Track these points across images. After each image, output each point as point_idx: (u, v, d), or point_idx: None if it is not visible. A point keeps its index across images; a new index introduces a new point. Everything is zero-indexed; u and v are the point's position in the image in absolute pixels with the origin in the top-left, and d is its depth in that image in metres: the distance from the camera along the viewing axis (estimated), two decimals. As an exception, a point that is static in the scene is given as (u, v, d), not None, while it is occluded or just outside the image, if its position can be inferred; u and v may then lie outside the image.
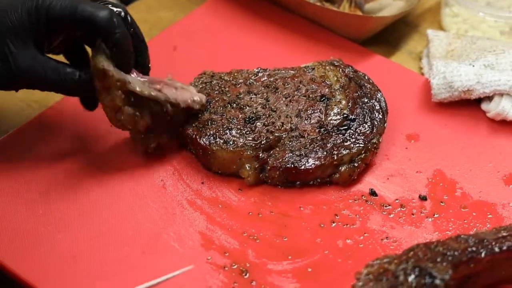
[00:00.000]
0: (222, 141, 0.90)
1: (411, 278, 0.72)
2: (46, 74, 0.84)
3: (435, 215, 0.88)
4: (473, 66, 0.99)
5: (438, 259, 0.73)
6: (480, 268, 0.75)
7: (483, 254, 0.74)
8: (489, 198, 0.90)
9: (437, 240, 0.77)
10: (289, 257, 0.83)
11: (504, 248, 0.76)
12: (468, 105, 1.01)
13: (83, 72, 0.85)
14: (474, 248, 0.75)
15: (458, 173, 0.93)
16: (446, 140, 0.98)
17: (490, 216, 0.88)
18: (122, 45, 0.85)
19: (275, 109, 0.94)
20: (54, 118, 0.98)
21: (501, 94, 0.98)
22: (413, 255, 0.74)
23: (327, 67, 0.99)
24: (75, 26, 0.85)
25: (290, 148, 0.90)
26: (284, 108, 0.94)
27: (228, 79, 0.97)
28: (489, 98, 0.99)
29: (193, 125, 0.92)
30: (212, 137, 0.91)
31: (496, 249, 0.75)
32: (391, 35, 1.14)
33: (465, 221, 0.87)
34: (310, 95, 0.95)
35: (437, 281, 0.71)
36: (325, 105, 0.94)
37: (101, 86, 0.85)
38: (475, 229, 0.86)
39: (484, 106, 1.00)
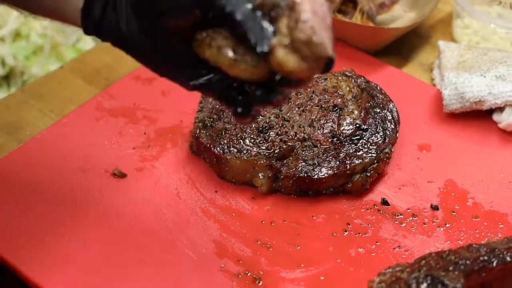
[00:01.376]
0: (236, 150, 0.91)
1: (423, 286, 0.72)
2: None
3: (447, 225, 0.89)
4: (485, 77, 1.00)
5: (450, 268, 0.74)
6: (492, 277, 0.75)
7: (494, 263, 0.75)
8: (501, 208, 0.91)
9: (449, 249, 0.78)
10: (302, 265, 0.84)
11: (516, 258, 0.76)
12: (479, 116, 1.02)
13: None
14: (485, 257, 0.75)
15: (470, 183, 0.94)
16: (458, 150, 0.98)
17: (501, 226, 0.89)
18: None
19: (288, 119, 0.95)
20: (70, 127, 0.99)
21: (512, 105, 0.99)
22: (425, 263, 0.75)
23: (340, 78, 1.00)
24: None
25: (303, 157, 0.91)
26: (297, 117, 0.95)
27: (242, 89, 0.98)
28: (501, 109, 1.00)
29: (207, 134, 0.93)
30: (226, 146, 0.92)
31: (508, 258, 0.76)
32: (403, 46, 1.15)
33: (477, 231, 0.88)
34: (323, 105, 0.96)
35: None
36: (337, 115, 0.95)
37: None
38: (486, 239, 0.87)
39: (496, 117, 1.01)
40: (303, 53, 0.65)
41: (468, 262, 0.75)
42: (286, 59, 0.65)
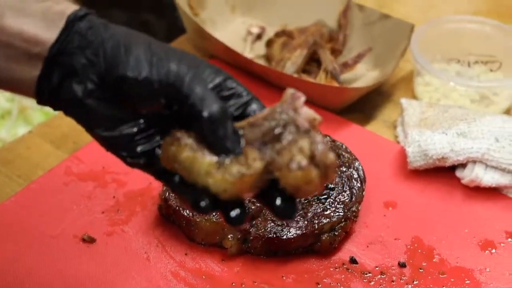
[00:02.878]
0: (205, 213, 0.92)
1: None
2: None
3: (415, 282, 0.90)
4: (446, 134, 1.02)
5: None
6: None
7: None
8: (466, 264, 0.92)
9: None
10: (273, 327, 0.85)
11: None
12: (443, 172, 1.04)
13: None
14: None
15: (435, 239, 0.95)
16: (423, 207, 1.00)
17: (468, 282, 0.90)
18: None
19: (256, 180, 0.96)
20: (38, 193, 1.00)
21: (474, 161, 1.01)
22: None
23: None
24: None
25: (272, 218, 0.92)
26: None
27: (210, 151, 0.99)
28: (463, 165, 1.03)
29: (176, 197, 0.94)
30: (195, 209, 0.92)
31: None
32: (366, 105, 1.18)
33: (444, 287, 0.89)
34: (290, 166, 0.98)
35: None
36: (304, 175, 0.97)
37: None
38: (454, 295, 0.88)
39: (459, 173, 1.03)
40: (320, 172, 0.66)
41: None
42: (312, 178, 0.66)
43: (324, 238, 0.92)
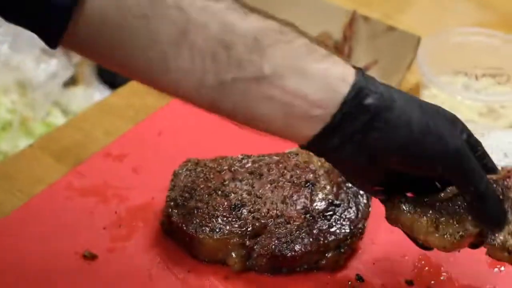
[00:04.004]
0: (208, 229, 0.90)
1: None
2: None
3: (422, 301, 0.89)
4: (454, 149, 1.00)
5: None
6: None
7: None
8: (475, 282, 0.91)
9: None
10: None
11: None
12: (450, 187, 1.02)
13: None
14: None
15: (443, 256, 0.93)
16: (430, 223, 0.98)
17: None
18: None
19: (260, 196, 0.94)
20: (39, 208, 0.98)
21: (483, 177, 0.99)
22: None
23: (311, 152, 1.00)
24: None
25: (277, 235, 0.91)
26: (270, 194, 0.95)
27: (213, 166, 0.98)
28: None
29: (179, 213, 0.92)
30: (198, 225, 0.91)
31: None
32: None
33: (454, 303, 0.88)
34: (295, 181, 0.96)
35: None
36: (310, 190, 0.95)
37: None
38: (462, 314, 0.87)
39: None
40: None
41: None
42: None
43: (329, 255, 0.91)
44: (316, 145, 0.73)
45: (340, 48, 1.24)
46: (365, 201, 0.95)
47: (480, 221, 0.76)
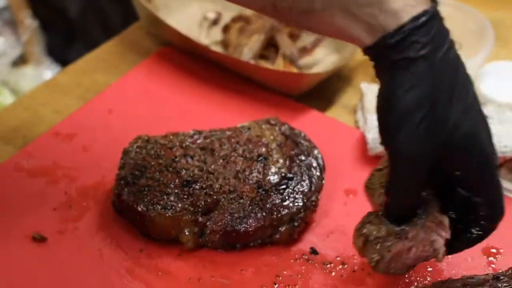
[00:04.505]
0: (160, 207, 0.89)
1: None
2: None
3: (376, 271, 0.88)
4: (407, 119, 1.00)
5: None
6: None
7: None
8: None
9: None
10: (232, 323, 0.82)
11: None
12: (404, 157, 1.02)
13: None
14: None
15: (397, 227, 0.93)
16: (384, 193, 0.98)
17: (430, 269, 0.88)
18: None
19: (212, 171, 0.93)
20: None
21: (435, 146, 0.99)
22: None
23: (263, 126, 0.99)
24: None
25: (229, 210, 0.90)
26: (222, 170, 0.93)
27: (164, 143, 0.97)
28: (424, 150, 1.00)
29: (130, 191, 0.91)
30: (149, 203, 0.89)
31: None
32: (326, 90, 1.15)
33: (406, 276, 0.87)
34: (247, 155, 0.95)
35: None
36: (262, 164, 0.94)
37: None
38: (415, 283, 0.86)
39: (419, 158, 1.01)
40: None
41: None
42: None
43: (283, 229, 0.90)
44: (394, 42, 0.69)
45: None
46: (318, 173, 0.94)
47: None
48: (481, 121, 0.73)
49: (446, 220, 0.77)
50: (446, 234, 0.76)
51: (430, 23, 0.69)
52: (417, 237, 0.76)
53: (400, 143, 0.70)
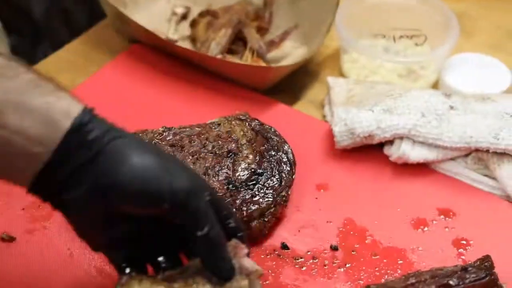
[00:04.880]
0: (129, 205, 0.88)
1: None
2: None
3: (347, 265, 0.89)
4: (373, 111, 1.00)
5: None
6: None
7: None
8: (399, 243, 0.91)
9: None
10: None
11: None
12: (372, 150, 1.03)
13: None
14: None
15: (368, 220, 0.94)
16: (354, 187, 0.99)
17: (400, 262, 0.89)
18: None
19: (182, 168, 0.93)
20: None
21: (401, 138, 1.00)
22: None
23: (233, 122, 0.99)
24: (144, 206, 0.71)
25: (200, 206, 0.89)
26: (191, 166, 0.93)
27: (133, 140, 0.96)
28: (391, 142, 1.01)
29: None
30: (119, 201, 0.89)
31: None
32: (293, 84, 1.15)
33: (377, 269, 0.88)
34: (217, 152, 0.95)
35: None
36: (232, 160, 0.94)
37: None
38: (386, 276, 0.87)
39: (386, 150, 1.02)
40: None
41: None
42: None
43: (254, 225, 0.90)
44: (41, 186, 0.68)
45: (261, 14, 1.22)
46: (288, 168, 0.95)
47: (209, 269, 0.73)
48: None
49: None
50: None
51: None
52: None
53: None
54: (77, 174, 0.67)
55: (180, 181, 0.69)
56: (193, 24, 1.22)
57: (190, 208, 0.70)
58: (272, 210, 0.91)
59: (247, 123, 0.99)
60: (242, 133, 0.98)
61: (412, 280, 0.78)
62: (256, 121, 1.00)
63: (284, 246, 0.91)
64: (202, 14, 1.23)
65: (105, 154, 0.68)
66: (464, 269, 0.80)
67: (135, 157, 0.68)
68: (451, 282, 0.78)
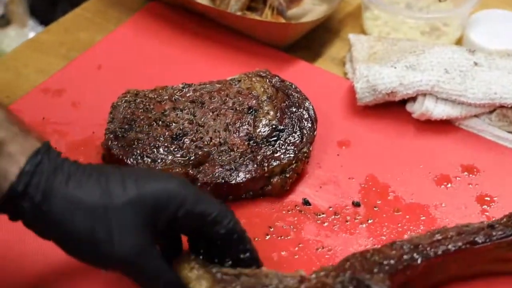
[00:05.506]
0: (150, 160, 0.88)
1: None
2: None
3: (369, 221, 0.88)
4: (395, 68, 0.99)
5: (375, 270, 0.72)
6: (416, 274, 0.75)
7: (419, 261, 0.74)
8: (422, 200, 0.90)
9: (372, 248, 0.77)
10: (226, 274, 0.82)
11: (439, 252, 0.75)
12: (394, 107, 1.01)
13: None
14: (409, 255, 0.74)
15: (390, 177, 0.93)
16: (376, 144, 0.98)
17: (423, 218, 0.88)
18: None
19: (202, 124, 0.92)
20: None
21: (424, 94, 0.98)
22: (349, 266, 0.73)
23: (254, 79, 0.98)
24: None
25: (220, 162, 0.89)
26: (212, 122, 0.93)
27: (153, 97, 0.96)
28: (413, 99, 1.00)
29: (119, 145, 0.90)
30: (139, 157, 0.89)
31: (431, 254, 0.75)
32: (314, 42, 1.14)
33: (399, 225, 0.87)
34: (238, 108, 0.94)
35: None
36: (253, 117, 0.93)
37: None
38: (409, 232, 0.86)
39: (409, 107, 1.01)
40: None
41: (392, 261, 0.73)
42: None
43: (275, 181, 0.89)
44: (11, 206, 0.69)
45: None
46: (309, 125, 0.94)
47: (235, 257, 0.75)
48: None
49: None
50: None
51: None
52: None
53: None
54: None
55: (118, 246, 0.69)
56: (213, -19, 1.21)
57: (135, 273, 0.71)
58: (293, 166, 0.90)
59: (267, 80, 0.98)
60: (262, 89, 0.97)
61: (438, 237, 0.77)
62: (276, 77, 0.99)
63: (306, 202, 0.90)
64: (221, -29, 1.21)
65: (37, 218, 0.69)
66: (491, 226, 0.79)
67: (71, 221, 0.69)
68: (477, 239, 0.77)
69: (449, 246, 0.76)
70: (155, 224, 0.70)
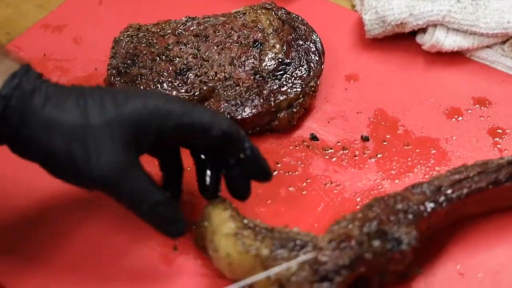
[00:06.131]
0: (154, 96, 0.86)
1: (376, 243, 0.68)
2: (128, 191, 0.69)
3: (378, 155, 0.86)
4: (406, -2, 0.96)
5: (401, 219, 0.70)
6: (439, 218, 0.73)
7: (443, 205, 0.72)
8: (432, 133, 0.88)
9: (393, 193, 0.74)
10: (232, 211, 0.81)
11: (463, 195, 0.73)
12: (404, 39, 0.99)
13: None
14: (433, 200, 0.72)
15: (400, 110, 0.91)
16: (385, 77, 0.95)
17: (433, 151, 0.86)
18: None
19: (207, 59, 0.90)
20: None
21: (435, 25, 0.95)
22: (374, 216, 0.70)
23: (259, 11, 0.95)
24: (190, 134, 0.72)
25: (225, 97, 0.87)
26: (216, 56, 0.90)
27: (156, 31, 0.93)
28: (423, 30, 0.97)
29: (122, 81, 0.88)
30: (143, 93, 0.87)
31: (455, 197, 0.73)
32: (322, -27, 1.10)
33: (409, 159, 0.86)
34: (243, 41, 0.92)
35: (404, 246, 0.68)
36: (258, 50, 0.91)
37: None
38: (418, 166, 0.85)
39: (419, 38, 0.98)
40: None
41: (416, 208, 0.71)
42: None
43: (281, 116, 0.88)
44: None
45: None
46: (316, 58, 0.91)
47: (256, 176, 0.76)
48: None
49: None
50: None
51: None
52: None
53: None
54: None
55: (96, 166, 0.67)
56: None
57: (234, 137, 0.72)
58: (300, 100, 0.88)
59: (273, 12, 0.95)
60: (268, 22, 0.94)
61: (458, 177, 0.75)
62: (282, 9, 0.96)
63: (313, 137, 0.88)
64: None
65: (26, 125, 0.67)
66: (510, 162, 0.77)
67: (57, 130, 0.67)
68: (501, 178, 0.75)
69: (473, 188, 0.74)
70: (139, 142, 0.69)
